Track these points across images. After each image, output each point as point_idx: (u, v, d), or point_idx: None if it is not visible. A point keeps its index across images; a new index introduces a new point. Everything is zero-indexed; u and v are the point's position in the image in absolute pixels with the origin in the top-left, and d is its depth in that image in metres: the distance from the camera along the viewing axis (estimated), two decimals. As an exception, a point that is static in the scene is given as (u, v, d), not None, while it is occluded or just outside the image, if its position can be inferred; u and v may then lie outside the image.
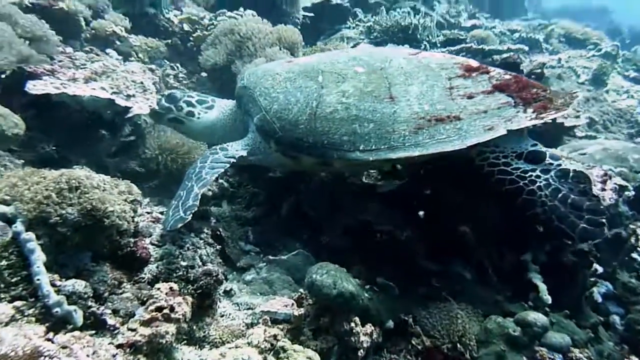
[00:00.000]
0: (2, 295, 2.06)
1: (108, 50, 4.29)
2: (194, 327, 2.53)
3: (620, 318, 3.23)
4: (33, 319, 2.05)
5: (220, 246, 3.00)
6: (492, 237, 3.22)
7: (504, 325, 2.46)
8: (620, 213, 3.82)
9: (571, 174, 2.88)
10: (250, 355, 2.30)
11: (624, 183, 4.02)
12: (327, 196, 3.51)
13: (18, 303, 2.06)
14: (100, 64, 3.27)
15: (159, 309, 2.25)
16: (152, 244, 2.71)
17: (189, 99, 3.47)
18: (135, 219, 2.67)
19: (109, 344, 2.13)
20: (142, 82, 3.31)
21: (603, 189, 3.89)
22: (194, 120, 3.47)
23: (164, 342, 2.17)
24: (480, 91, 3.00)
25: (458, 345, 2.65)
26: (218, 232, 3.05)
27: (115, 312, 2.34)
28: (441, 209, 3.31)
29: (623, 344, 3.03)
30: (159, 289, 2.34)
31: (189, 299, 2.41)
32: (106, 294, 2.40)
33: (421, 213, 3.32)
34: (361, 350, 2.55)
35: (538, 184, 2.87)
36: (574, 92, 3.18)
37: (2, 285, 2.08)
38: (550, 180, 2.87)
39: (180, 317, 2.27)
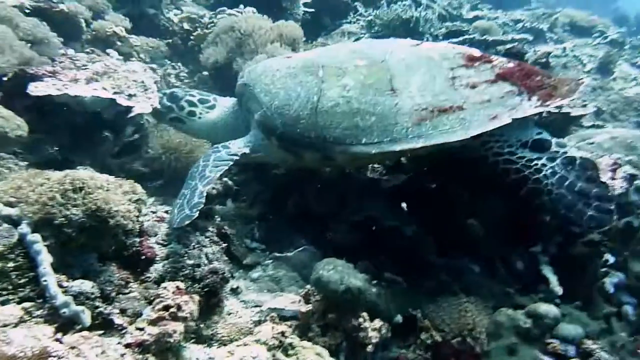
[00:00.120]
0: (10, 297, 2.06)
1: (109, 51, 4.28)
2: (202, 326, 2.54)
3: (633, 308, 3.18)
4: (41, 320, 2.04)
5: (225, 244, 2.99)
6: (501, 229, 3.19)
7: (514, 318, 2.44)
8: (630, 202, 3.76)
9: (578, 161, 2.84)
10: (259, 353, 2.30)
11: (634, 171, 3.96)
12: (332, 192, 3.49)
13: (26, 304, 2.06)
14: (101, 64, 3.26)
15: (166, 307, 2.24)
16: (158, 243, 2.70)
17: (190, 98, 3.46)
18: (140, 219, 2.67)
19: (117, 343, 2.13)
20: (143, 82, 3.29)
21: (613, 178, 3.83)
22: (195, 120, 3.47)
23: (171, 340, 2.16)
24: (483, 80, 2.96)
25: (468, 339, 2.63)
26: (223, 230, 3.04)
27: (122, 311, 2.33)
28: (448, 202, 3.29)
29: (636, 335, 2.99)
30: (165, 287, 2.34)
31: (196, 297, 2.40)
32: (113, 294, 2.39)
33: (404, 205, 3.29)
34: (370, 346, 2.54)
35: (544, 172, 2.83)
36: (580, 79, 3.13)
37: (10, 287, 2.08)
38: (557, 169, 2.84)
39: (188, 315, 2.27)
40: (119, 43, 4.85)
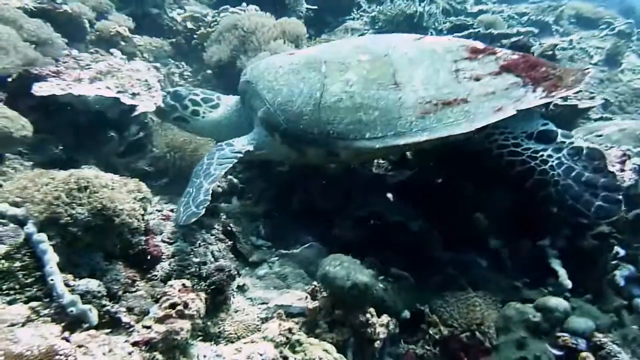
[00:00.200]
0: (18, 296, 2.06)
1: (112, 50, 4.28)
2: (209, 323, 2.53)
3: (644, 301, 3.14)
4: (49, 319, 2.04)
5: (231, 242, 2.99)
6: (508, 223, 3.16)
7: (523, 312, 2.41)
8: (640, 193, 3.72)
9: (585, 152, 2.81)
10: (266, 350, 2.28)
11: (643, 163, 3.90)
12: (337, 188, 3.48)
13: (33, 304, 2.05)
14: (104, 64, 3.26)
15: (173, 305, 2.24)
16: (164, 242, 2.70)
17: (194, 97, 3.47)
18: (146, 217, 2.67)
19: (124, 342, 2.13)
20: (146, 80, 3.30)
21: (622, 170, 3.78)
22: (199, 119, 3.48)
23: (179, 338, 2.16)
24: (487, 73, 2.93)
25: (477, 333, 2.60)
26: (229, 228, 3.03)
27: (129, 310, 2.33)
28: (454, 197, 3.26)
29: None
30: (171, 285, 2.34)
31: (202, 295, 2.40)
32: (120, 293, 2.39)
33: (389, 195, 3.26)
34: (378, 342, 2.52)
35: (550, 163, 2.80)
36: (586, 68, 3.08)
37: (17, 287, 2.08)
38: (563, 159, 2.80)
39: (194, 313, 2.26)
40: (122, 43, 4.86)
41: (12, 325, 1.92)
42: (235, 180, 3.72)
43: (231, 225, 3.08)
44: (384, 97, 2.86)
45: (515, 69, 2.94)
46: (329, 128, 2.88)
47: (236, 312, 2.69)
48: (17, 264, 2.10)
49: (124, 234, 2.48)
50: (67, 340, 1.90)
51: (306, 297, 2.70)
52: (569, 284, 2.89)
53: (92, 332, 2.05)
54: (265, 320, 2.64)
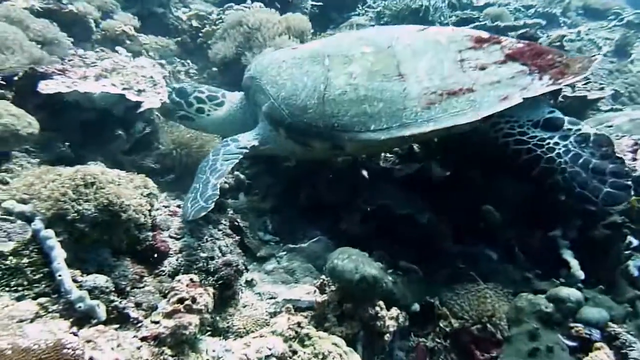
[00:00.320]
0: (26, 293, 2.06)
1: (117, 48, 4.30)
2: (217, 318, 2.53)
3: (659, 291, 3.09)
4: (57, 314, 2.05)
5: (239, 237, 2.98)
6: (519, 214, 3.12)
7: (535, 303, 2.37)
8: (652, 183, 3.66)
9: (592, 138, 2.76)
10: (275, 344, 2.27)
11: (655, 152, 3.84)
12: (344, 182, 3.46)
13: (42, 300, 2.06)
14: (110, 61, 3.27)
15: (181, 300, 2.23)
16: (171, 237, 2.69)
17: (199, 94, 3.47)
18: (153, 213, 2.67)
19: (133, 337, 2.12)
20: (152, 77, 3.30)
21: (634, 159, 3.73)
22: (203, 117, 3.49)
23: (187, 333, 2.15)
24: (492, 61, 2.89)
25: (488, 325, 2.56)
26: (236, 223, 3.02)
27: (137, 305, 2.33)
28: (462, 189, 3.23)
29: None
30: (179, 280, 2.33)
31: (210, 289, 2.39)
32: (128, 288, 2.39)
33: (365, 172, 3.20)
34: (387, 335, 2.50)
35: (557, 151, 2.76)
36: (593, 56, 3.04)
37: (26, 283, 2.08)
38: (570, 146, 2.76)
39: (203, 308, 2.25)
40: (128, 42, 4.88)
41: (21, 321, 1.93)
42: (242, 176, 3.72)
43: (238, 220, 3.07)
44: (388, 89, 2.83)
45: (520, 57, 2.90)
46: (333, 121, 2.87)
47: (244, 307, 2.68)
48: (25, 260, 2.10)
49: (131, 230, 2.48)
50: (76, 335, 1.90)
51: (314, 291, 2.67)
52: (581, 274, 2.84)
53: (101, 327, 2.05)
54: (273, 314, 2.62)
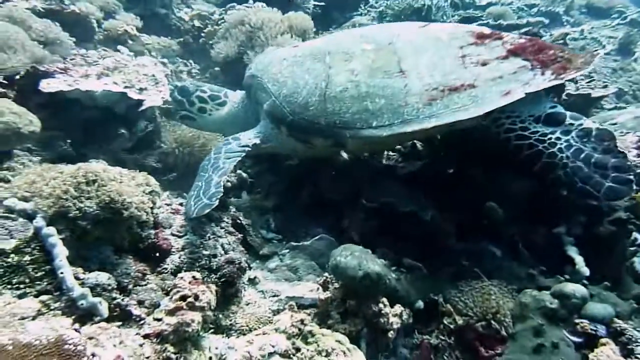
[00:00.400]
0: (28, 290, 2.06)
1: (119, 47, 4.30)
2: (220, 316, 2.52)
3: (665, 288, 3.05)
4: (59, 312, 2.04)
5: (241, 235, 2.97)
6: (523, 211, 3.10)
7: (540, 299, 2.34)
8: (658, 179, 3.62)
9: (594, 133, 2.74)
10: (278, 341, 2.26)
11: (660, 148, 3.81)
12: (347, 180, 3.45)
13: (44, 297, 2.06)
14: (111, 60, 3.27)
15: (183, 297, 2.22)
16: (173, 235, 2.69)
17: (201, 94, 3.47)
18: (155, 211, 2.66)
19: (135, 334, 2.12)
20: (153, 75, 3.30)
21: (639, 155, 3.71)
22: (205, 117, 3.50)
23: (190, 330, 2.14)
24: (494, 57, 2.88)
25: (492, 322, 2.54)
26: (239, 221, 3.02)
27: (140, 303, 2.32)
28: (466, 186, 3.21)
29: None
30: (182, 278, 2.32)
31: (213, 287, 2.38)
32: (130, 286, 2.39)
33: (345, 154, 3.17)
34: (391, 332, 2.49)
35: (559, 146, 2.74)
36: (595, 51, 3.02)
37: (27, 280, 2.08)
38: (572, 141, 2.74)
39: (205, 305, 2.24)
40: (130, 42, 4.89)
41: (23, 318, 1.93)
42: (245, 175, 3.71)
43: (241, 218, 3.06)
44: (389, 85, 2.82)
45: (522, 53, 2.88)
46: (335, 118, 2.86)
47: (247, 304, 2.67)
48: (27, 257, 2.10)
49: (133, 228, 2.48)
50: (78, 332, 1.90)
51: (318, 289, 2.67)
52: (586, 271, 2.81)
53: (103, 324, 2.05)
54: (276, 312, 2.62)
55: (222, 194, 2.74)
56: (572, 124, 2.80)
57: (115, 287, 2.25)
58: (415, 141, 3.75)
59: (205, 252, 2.64)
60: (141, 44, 5.07)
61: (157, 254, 2.57)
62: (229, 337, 2.42)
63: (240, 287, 2.72)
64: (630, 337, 2.24)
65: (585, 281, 2.78)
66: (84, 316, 2.07)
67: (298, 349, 2.26)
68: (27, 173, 2.35)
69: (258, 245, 3.11)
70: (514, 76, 2.79)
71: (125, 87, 3.14)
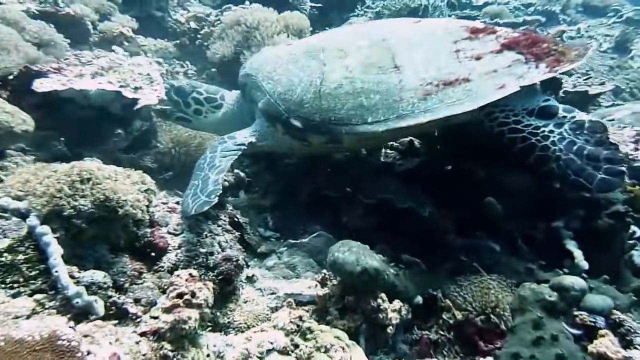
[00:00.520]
0: (22, 289, 2.04)
1: (114, 47, 4.29)
2: (218, 314, 2.51)
3: (664, 281, 3.04)
4: (54, 311, 2.02)
5: (239, 233, 2.95)
6: (521, 206, 3.09)
7: (538, 292, 2.32)
8: (655, 173, 3.62)
9: (586, 125, 2.75)
10: (277, 338, 2.25)
11: (658, 142, 3.81)
12: (345, 177, 3.44)
13: (38, 296, 2.03)
14: (106, 59, 3.26)
15: (180, 295, 2.21)
16: (170, 233, 2.67)
17: (197, 96, 3.46)
18: (151, 209, 2.64)
19: (132, 332, 2.10)
20: (149, 74, 3.29)
21: (636, 149, 3.72)
22: (200, 119, 3.50)
23: (187, 327, 2.12)
24: (488, 51, 2.88)
25: (492, 316, 2.53)
26: (236, 219, 3.00)
27: (136, 301, 2.31)
28: (464, 182, 3.20)
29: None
30: (178, 275, 2.30)
31: (210, 284, 2.37)
32: (127, 285, 2.37)
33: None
34: (390, 327, 2.47)
35: (552, 138, 2.74)
36: (589, 44, 3.03)
37: (21, 280, 2.06)
38: (565, 134, 2.75)
39: (202, 302, 2.22)
40: (126, 43, 4.88)
41: (17, 317, 1.90)
42: (242, 174, 3.70)
43: (238, 216, 3.05)
44: (384, 81, 2.82)
45: (516, 46, 2.89)
46: (330, 115, 2.85)
47: (245, 302, 2.65)
48: (21, 256, 2.08)
49: (129, 226, 2.46)
50: (73, 330, 1.88)
51: (316, 285, 2.65)
52: (585, 265, 2.80)
53: (99, 322, 2.03)
54: (275, 309, 2.60)
55: (220, 192, 2.73)
56: (565, 117, 2.80)
57: (111, 285, 2.23)
58: (413, 139, 3.75)
59: (202, 250, 2.62)
60: (137, 46, 5.07)
61: (154, 253, 2.55)
62: (227, 335, 2.41)
63: (238, 285, 2.71)
64: (629, 328, 2.22)
65: (584, 275, 2.77)
66: (80, 315, 2.05)
67: (297, 346, 2.24)
68: (21, 172, 2.33)
69: (256, 243, 3.10)
70: (508, 70, 2.79)
71: (120, 86, 3.13)
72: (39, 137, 2.91)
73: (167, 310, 2.17)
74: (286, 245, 3.10)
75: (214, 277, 2.53)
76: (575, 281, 2.37)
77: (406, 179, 3.39)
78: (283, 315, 2.38)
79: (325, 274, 2.63)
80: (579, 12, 11.30)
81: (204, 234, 2.72)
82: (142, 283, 2.42)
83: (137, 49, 5.05)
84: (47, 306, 2.02)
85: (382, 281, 2.48)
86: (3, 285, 2.02)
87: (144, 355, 1.98)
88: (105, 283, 2.20)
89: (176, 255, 2.59)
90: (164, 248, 2.59)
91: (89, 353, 1.76)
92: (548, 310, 2.28)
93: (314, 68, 2.97)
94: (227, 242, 2.77)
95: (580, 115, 2.79)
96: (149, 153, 3.57)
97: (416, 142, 3.77)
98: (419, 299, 2.67)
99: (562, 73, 3.08)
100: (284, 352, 2.21)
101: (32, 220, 2.14)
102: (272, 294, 2.74)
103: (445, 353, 2.56)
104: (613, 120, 5.19)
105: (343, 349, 2.25)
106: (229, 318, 2.52)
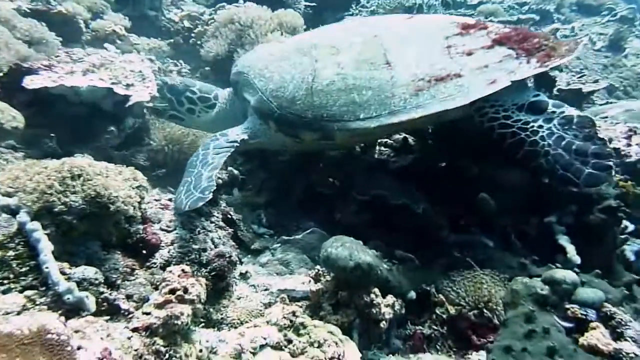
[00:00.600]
0: (12, 286, 2.02)
1: (106, 45, 4.27)
2: (211, 310, 2.50)
3: (656, 275, 3.05)
4: (45, 307, 2.00)
5: (232, 230, 2.95)
6: (515, 202, 3.10)
7: (531, 285, 2.34)
8: (647, 167, 3.64)
9: (575, 120, 2.76)
10: (270, 333, 2.25)
11: (650, 138, 3.83)
12: (339, 174, 3.44)
13: (29, 292, 2.02)
14: (97, 56, 3.25)
15: (173, 291, 2.19)
16: (162, 230, 2.66)
17: (190, 95, 3.45)
18: (143, 206, 2.63)
19: (124, 328, 2.08)
20: (140, 71, 3.28)
21: (628, 145, 3.74)
22: (193, 118, 3.49)
23: (179, 323, 2.10)
24: (479, 47, 2.90)
25: (485, 311, 2.54)
26: (229, 216, 3.00)
27: (128, 297, 2.30)
28: (457, 179, 3.21)
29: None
30: (171, 271, 2.29)
31: (203, 280, 2.35)
32: (119, 281, 2.36)
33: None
34: (384, 322, 2.46)
35: (540, 133, 2.76)
36: (579, 39, 3.06)
37: (12, 276, 2.04)
38: (554, 129, 2.76)
39: (195, 297, 2.21)
40: (118, 42, 4.86)
41: (7, 313, 1.90)
42: (236, 172, 3.69)
43: (231, 213, 3.04)
44: (376, 77, 2.83)
45: (507, 42, 2.91)
46: (322, 111, 2.86)
47: (239, 298, 2.64)
48: (11, 253, 2.06)
49: (120, 223, 2.45)
50: (62, 323, 1.87)
51: (309, 281, 2.65)
52: (577, 259, 2.82)
53: (90, 318, 2.02)
54: (268, 305, 2.60)
55: (214, 188, 2.72)
56: (554, 112, 2.82)
57: (103, 281, 2.22)
58: (407, 136, 3.75)
59: (195, 247, 2.62)
60: (129, 44, 5.05)
61: (146, 249, 2.54)
62: (220, 331, 2.40)
63: (232, 281, 2.70)
64: (619, 320, 2.24)
65: (576, 269, 2.78)
66: (71, 311, 2.03)
67: (290, 341, 2.24)
68: (11, 169, 2.32)
69: (249, 240, 3.09)
70: (500, 65, 2.80)
71: (112, 83, 3.12)
72: (29, 134, 2.90)
73: (160, 306, 2.15)
74: (280, 241, 3.10)
75: (206, 274, 2.53)
76: (566, 275, 2.38)
77: (400, 176, 3.39)
78: (276, 311, 2.37)
79: (318, 270, 2.63)
80: (573, 11, 11.34)
81: (196, 230, 2.71)
82: (134, 279, 2.41)
83: (130, 48, 5.03)
84: (37, 302, 2.01)
85: (375, 276, 2.48)
86: (-7, 282, 2.00)
87: (135, 350, 1.97)
88: (96, 279, 2.19)
89: (169, 252, 2.58)
90: (157, 244, 2.58)
91: (79, 348, 1.75)
92: (540, 303, 2.29)
93: (306, 65, 2.98)
94: (220, 238, 2.77)
95: (570, 111, 2.81)
96: (142, 150, 3.56)
97: (410, 139, 3.77)
98: (413, 294, 2.67)
99: (554, 69, 3.09)
100: (277, 347, 2.21)
101: (23, 216, 2.12)
102: (266, 290, 2.73)
103: (438, 347, 2.56)
104: (606, 117, 5.21)
105: (336, 343, 2.25)
106: (222, 314, 2.51)
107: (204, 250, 2.62)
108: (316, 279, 2.61)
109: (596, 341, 2.14)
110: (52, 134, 3.04)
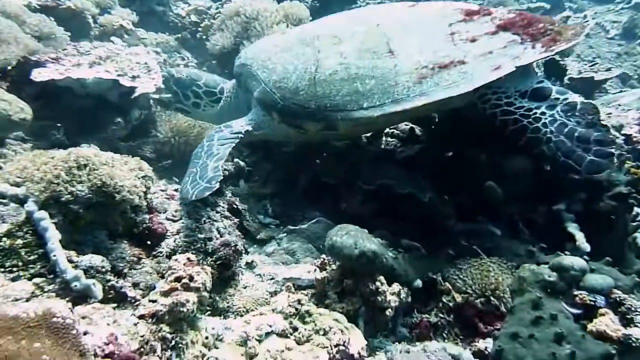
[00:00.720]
0: (21, 273, 2.06)
1: (113, 38, 4.31)
2: (217, 299, 2.52)
3: (668, 262, 3.00)
4: (53, 294, 2.04)
5: (238, 219, 2.96)
6: (522, 190, 3.06)
7: (538, 272, 2.30)
8: (658, 154, 3.57)
9: (578, 107, 2.72)
10: (276, 321, 2.26)
11: (661, 123, 3.76)
12: (345, 164, 3.43)
13: (37, 280, 2.05)
14: (104, 49, 3.28)
15: (178, 279, 2.22)
16: (168, 219, 2.69)
17: (196, 89, 3.46)
18: (149, 196, 2.65)
19: (130, 315, 2.11)
20: (146, 63, 3.30)
21: None
22: (198, 112, 3.52)
23: (185, 310, 2.12)
24: (483, 33, 2.87)
25: (491, 298, 2.52)
26: (235, 206, 3.01)
27: (135, 285, 2.33)
28: (464, 167, 3.18)
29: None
30: (177, 260, 2.32)
31: (208, 269, 2.38)
32: (125, 270, 2.39)
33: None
34: (389, 310, 2.46)
35: (543, 120, 2.73)
36: (586, 22, 3.00)
37: (20, 264, 2.08)
38: (557, 116, 2.73)
39: (200, 285, 2.23)
40: (126, 36, 4.90)
41: (16, 300, 1.93)
42: (242, 163, 3.71)
43: (237, 203, 3.05)
44: (379, 66, 2.82)
45: (512, 27, 2.87)
46: (326, 101, 2.85)
47: (245, 287, 2.67)
48: (19, 241, 2.10)
49: (127, 212, 2.47)
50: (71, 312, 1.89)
51: (315, 270, 2.65)
52: (587, 247, 2.77)
53: (97, 305, 2.04)
54: (274, 293, 2.61)
55: (221, 178, 2.73)
56: (557, 99, 2.78)
57: (110, 269, 2.25)
58: (413, 126, 3.73)
59: (200, 236, 2.63)
60: (137, 39, 5.08)
61: (152, 238, 2.56)
62: (226, 319, 2.42)
63: (238, 270, 2.72)
64: (629, 306, 2.19)
65: (586, 257, 2.74)
66: (79, 298, 2.06)
67: (295, 329, 2.25)
68: (19, 159, 2.35)
69: (255, 230, 3.11)
70: (504, 50, 2.77)
71: (118, 74, 3.15)
72: (37, 126, 2.94)
73: (166, 294, 2.18)
74: (285, 231, 3.11)
75: (212, 262, 2.55)
76: (574, 261, 2.34)
77: (406, 165, 3.38)
78: (282, 299, 2.38)
79: (324, 258, 2.63)
80: (585, -1, 11.16)
81: (202, 220, 2.73)
82: (140, 268, 2.44)
83: (137, 42, 5.06)
84: (46, 289, 2.04)
85: (380, 264, 2.47)
86: (2, 269, 2.04)
87: (142, 336, 1.99)
88: (103, 267, 2.22)
89: (175, 241, 2.60)
90: (163, 234, 2.60)
91: (86, 333, 1.77)
92: (547, 290, 2.25)
93: (309, 55, 2.97)
94: (225, 228, 2.78)
95: (573, 97, 2.77)
96: (148, 142, 3.58)
97: (417, 129, 3.75)
98: (419, 283, 2.66)
99: (563, 55, 3.04)
100: (282, 334, 2.22)
101: (30, 205, 2.15)
102: (272, 279, 2.74)
103: (445, 335, 2.55)
104: (619, 105, 5.13)
105: (342, 331, 2.25)
106: (228, 303, 2.53)
107: (210, 239, 2.64)
108: (322, 267, 2.62)
109: (605, 327, 2.11)
110: (59, 126, 3.08)
